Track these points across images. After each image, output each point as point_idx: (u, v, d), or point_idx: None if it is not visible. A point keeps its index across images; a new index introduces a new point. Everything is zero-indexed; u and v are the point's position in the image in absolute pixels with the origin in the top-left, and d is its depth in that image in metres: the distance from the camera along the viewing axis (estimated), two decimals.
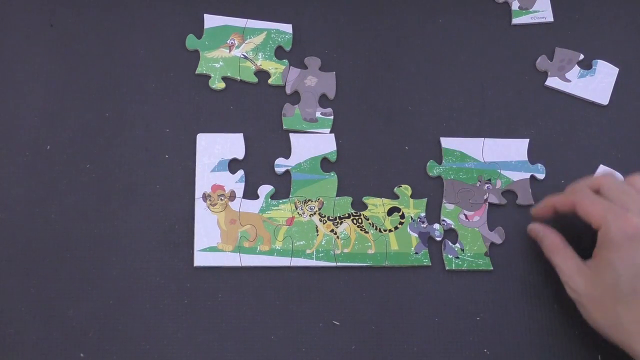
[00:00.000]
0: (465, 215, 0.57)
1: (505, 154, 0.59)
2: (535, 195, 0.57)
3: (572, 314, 0.54)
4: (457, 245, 0.56)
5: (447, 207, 0.57)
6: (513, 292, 0.54)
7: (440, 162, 0.58)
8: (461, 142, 0.59)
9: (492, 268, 0.55)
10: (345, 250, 0.55)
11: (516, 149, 0.59)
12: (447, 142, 0.59)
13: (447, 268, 0.55)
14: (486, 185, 0.58)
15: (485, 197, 0.57)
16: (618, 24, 0.64)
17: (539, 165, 0.58)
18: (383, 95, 0.61)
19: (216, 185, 0.56)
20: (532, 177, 0.58)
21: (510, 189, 0.58)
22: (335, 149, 0.58)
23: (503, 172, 0.58)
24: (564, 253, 0.52)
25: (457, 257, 0.56)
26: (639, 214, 0.49)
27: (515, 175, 0.58)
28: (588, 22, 0.64)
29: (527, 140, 0.59)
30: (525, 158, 0.59)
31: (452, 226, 0.57)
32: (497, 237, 0.56)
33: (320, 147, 0.58)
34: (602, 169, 0.59)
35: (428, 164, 0.58)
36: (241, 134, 0.58)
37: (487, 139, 0.59)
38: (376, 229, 0.56)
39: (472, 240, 0.56)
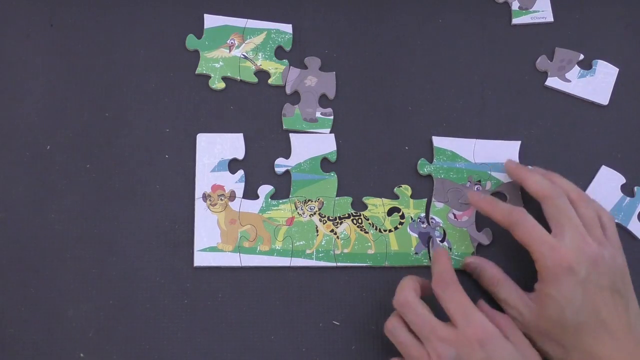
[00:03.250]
0: (454, 215, 0.57)
1: (496, 156, 0.59)
2: (525, 197, 0.57)
3: None
4: (445, 244, 0.56)
5: (437, 205, 0.57)
6: None
7: (431, 161, 0.58)
8: (453, 142, 0.59)
9: None
10: (345, 251, 0.55)
11: (507, 150, 0.59)
12: (438, 141, 0.59)
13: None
14: (476, 186, 0.58)
15: None
16: (618, 24, 0.64)
17: (530, 167, 0.58)
18: (383, 95, 0.61)
19: (216, 185, 0.56)
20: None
21: (499, 190, 0.58)
22: (335, 149, 0.58)
23: (493, 174, 0.58)
24: (507, 285, 0.52)
25: None
26: (571, 244, 0.49)
27: (505, 177, 0.58)
28: (588, 22, 0.64)
29: (518, 143, 0.59)
30: (517, 160, 0.59)
31: (441, 225, 0.57)
32: (484, 238, 0.56)
33: (320, 147, 0.58)
34: (604, 170, 0.59)
35: (419, 162, 0.58)
36: (241, 134, 0.58)
37: (478, 140, 0.59)
38: (376, 229, 0.56)
39: (460, 240, 0.56)
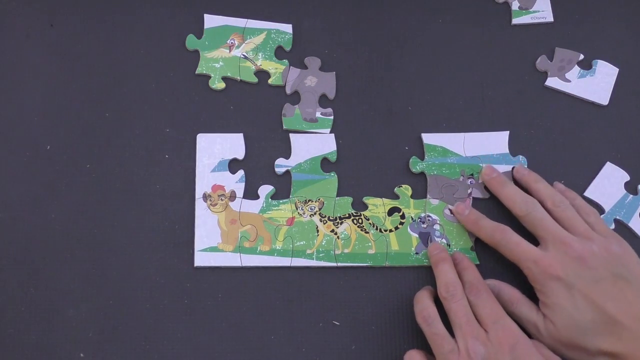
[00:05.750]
0: (450, 210, 0.57)
1: (486, 148, 0.59)
2: (518, 187, 0.57)
3: None
4: (444, 240, 0.56)
5: (432, 202, 0.57)
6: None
7: (422, 158, 0.58)
8: (442, 137, 0.59)
9: (478, 262, 0.56)
10: (346, 251, 0.55)
11: (497, 142, 0.59)
12: (428, 138, 0.59)
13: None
14: (469, 180, 0.58)
15: (469, 191, 0.57)
16: (618, 24, 0.64)
17: (520, 157, 0.58)
18: (383, 95, 0.61)
19: (216, 186, 0.56)
20: (514, 169, 0.58)
21: None
22: (335, 149, 0.58)
23: (485, 167, 0.58)
24: (523, 304, 0.52)
25: None
26: (554, 251, 0.50)
27: (498, 168, 0.58)
28: (588, 22, 0.64)
29: (507, 133, 0.59)
30: (507, 150, 0.59)
31: (438, 222, 0.57)
32: None
33: (320, 147, 0.58)
34: (609, 166, 0.59)
35: (410, 160, 0.58)
36: (241, 134, 0.58)
37: (467, 134, 0.59)
38: (376, 229, 0.56)
39: (458, 235, 0.56)
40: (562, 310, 0.49)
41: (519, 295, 0.52)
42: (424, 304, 0.50)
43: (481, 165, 0.58)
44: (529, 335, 0.50)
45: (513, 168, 0.58)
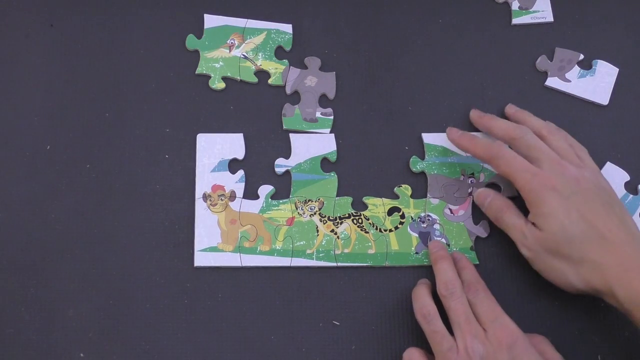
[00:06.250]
0: (450, 210, 0.57)
1: None
2: None
3: (566, 307, 0.54)
4: (443, 240, 0.56)
5: (432, 201, 0.57)
6: (502, 286, 0.54)
7: (423, 158, 0.58)
8: (442, 137, 0.59)
9: (477, 262, 0.56)
10: (346, 251, 0.55)
11: None
12: (428, 138, 0.59)
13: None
14: (469, 180, 0.58)
15: (469, 190, 0.57)
16: (618, 24, 0.64)
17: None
18: (383, 95, 0.61)
19: (216, 186, 0.56)
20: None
21: (493, 181, 0.58)
22: (335, 149, 0.58)
23: (485, 166, 0.58)
24: (512, 211, 0.53)
25: None
26: (550, 170, 0.51)
27: None
28: (588, 22, 0.64)
29: None
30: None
31: (438, 221, 0.57)
32: (482, 231, 0.56)
33: (320, 147, 0.58)
34: (609, 166, 0.59)
35: (411, 159, 0.58)
36: (241, 134, 0.58)
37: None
38: (376, 229, 0.56)
39: (458, 235, 0.56)
40: (555, 219, 0.50)
41: (507, 202, 0.54)
42: (423, 302, 0.50)
43: (481, 164, 0.58)
44: (515, 245, 0.53)
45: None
